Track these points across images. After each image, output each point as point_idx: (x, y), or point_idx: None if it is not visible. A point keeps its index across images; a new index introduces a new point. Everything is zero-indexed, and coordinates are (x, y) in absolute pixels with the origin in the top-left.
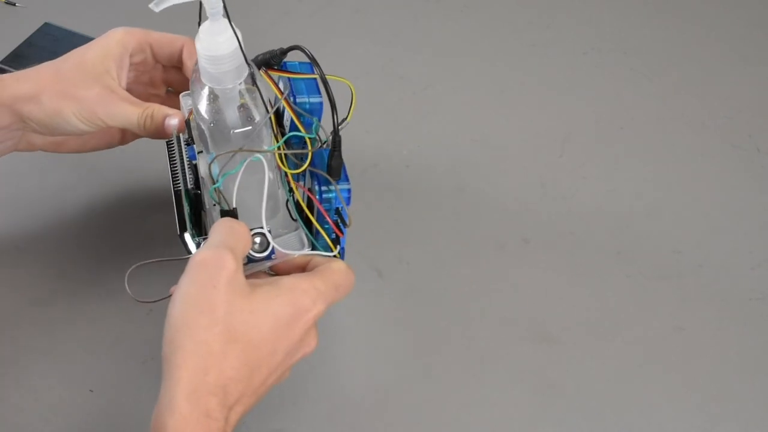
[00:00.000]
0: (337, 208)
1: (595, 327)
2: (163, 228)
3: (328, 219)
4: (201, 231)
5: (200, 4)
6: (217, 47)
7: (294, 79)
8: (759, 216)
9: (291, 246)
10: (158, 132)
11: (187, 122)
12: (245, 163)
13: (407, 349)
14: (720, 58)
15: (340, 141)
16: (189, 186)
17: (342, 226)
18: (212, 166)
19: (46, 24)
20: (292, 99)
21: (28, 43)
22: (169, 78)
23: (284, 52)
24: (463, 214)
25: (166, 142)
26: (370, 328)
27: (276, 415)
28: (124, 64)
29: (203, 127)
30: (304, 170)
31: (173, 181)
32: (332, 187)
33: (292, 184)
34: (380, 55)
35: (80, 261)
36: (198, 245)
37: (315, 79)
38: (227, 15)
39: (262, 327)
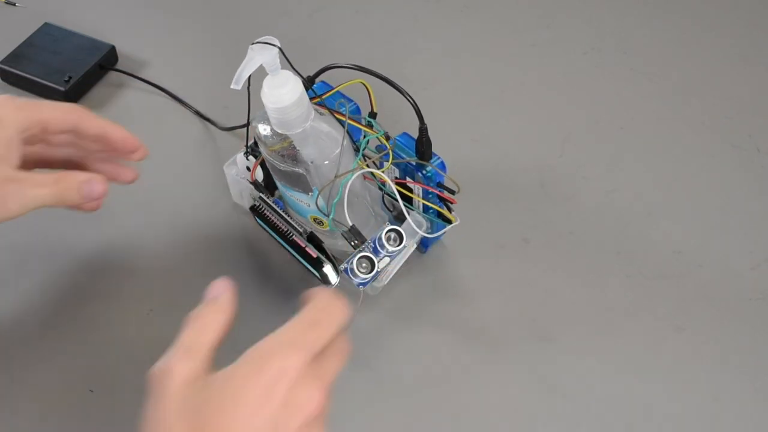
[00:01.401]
0: (438, 183)
1: (595, 327)
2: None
3: (437, 191)
4: (329, 258)
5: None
6: (281, 98)
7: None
8: (759, 216)
9: (411, 230)
10: (85, 200)
11: (265, 174)
12: (348, 183)
13: (407, 348)
14: (720, 58)
15: (426, 128)
16: (300, 229)
17: (450, 194)
18: (319, 201)
19: (46, 24)
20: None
21: (29, 43)
22: (62, 139)
23: (317, 75)
24: (462, 214)
25: (251, 208)
26: (368, 328)
27: None
28: (14, 145)
29: (300, 171)
30: (390, 165)
31: (285, 235)
32: (428, 167)
33: (387, 180)
34: (380, 55)
35: (83, 262)
36: (337, 272)
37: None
38: (293, 69)
39: (228, 419)
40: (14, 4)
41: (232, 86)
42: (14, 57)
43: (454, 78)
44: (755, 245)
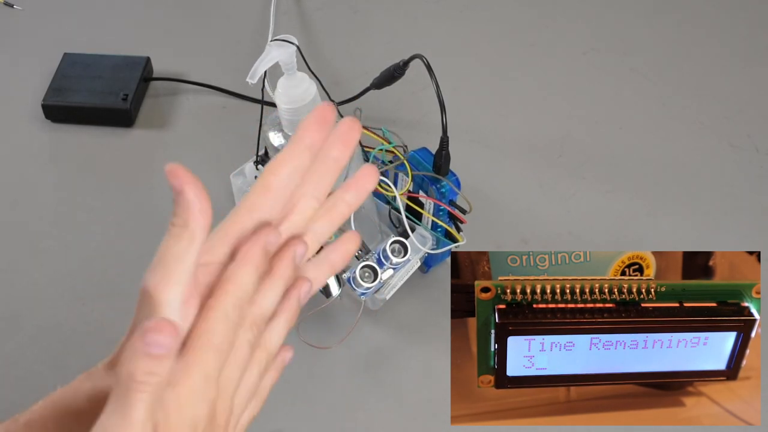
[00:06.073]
0: (450, 200)
1: None
2: None
3: (449, 208)
4: None
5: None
6: (295, 99)
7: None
8: (758, 215)
9: (415, 245)
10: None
11: None
12: None
13: (407, 348)
14: (720, 58)
15: (447, 141)
16: None
17: (461, 212)
18: None
19: (66, 54)
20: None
21: (60, 76)
22: None
23: (406, 63)
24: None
25: None
26: (367, 329)
27: (275, 415)
28: None
29: None
30: (411, 181)
31: None
32: (443, 182)
33: (393, 188)
34: (380, 55)
35: (86, 262)
36: (339, 282)
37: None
38: (309, 70)
39: None
40: (12, 6)
41: (247, 80)
42: (55, 92)
43: (454, 78)
44: (754, 245)
